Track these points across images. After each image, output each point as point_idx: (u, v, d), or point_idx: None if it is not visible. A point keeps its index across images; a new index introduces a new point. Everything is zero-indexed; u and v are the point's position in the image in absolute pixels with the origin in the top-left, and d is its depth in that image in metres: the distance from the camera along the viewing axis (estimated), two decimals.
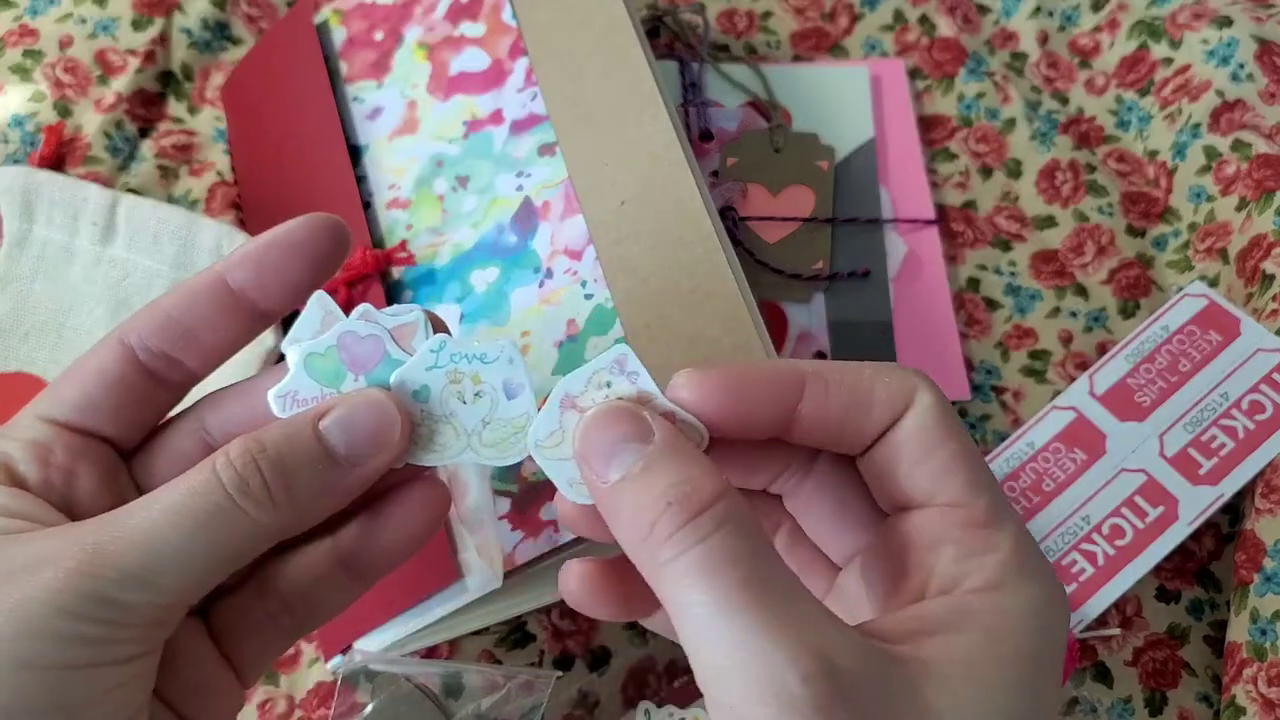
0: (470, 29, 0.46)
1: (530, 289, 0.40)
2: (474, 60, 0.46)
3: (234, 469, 0.24)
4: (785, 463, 0.28)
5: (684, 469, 0.23)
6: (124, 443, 0.28)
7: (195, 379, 0.28)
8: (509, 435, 0.27)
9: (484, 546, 0.37)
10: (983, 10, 0.58)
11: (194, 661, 0.27)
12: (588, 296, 0.39)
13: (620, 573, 0.27)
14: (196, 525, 0.23)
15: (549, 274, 0.40)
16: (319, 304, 0.27)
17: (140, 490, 0.27)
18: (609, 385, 0.25)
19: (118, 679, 0.23)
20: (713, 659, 0.21)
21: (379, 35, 0.49)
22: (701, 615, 0.21)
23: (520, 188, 0.42)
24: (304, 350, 0.26)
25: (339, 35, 0.50)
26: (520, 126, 0.43)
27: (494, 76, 0.45)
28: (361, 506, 0.28)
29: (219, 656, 0.27)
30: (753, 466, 0.28)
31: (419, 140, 0.46)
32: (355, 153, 0.47)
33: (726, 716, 0.21)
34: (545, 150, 0.42)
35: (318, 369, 0.26)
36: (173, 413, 0.29)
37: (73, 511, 0.26)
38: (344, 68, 0.49)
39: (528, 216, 0.41)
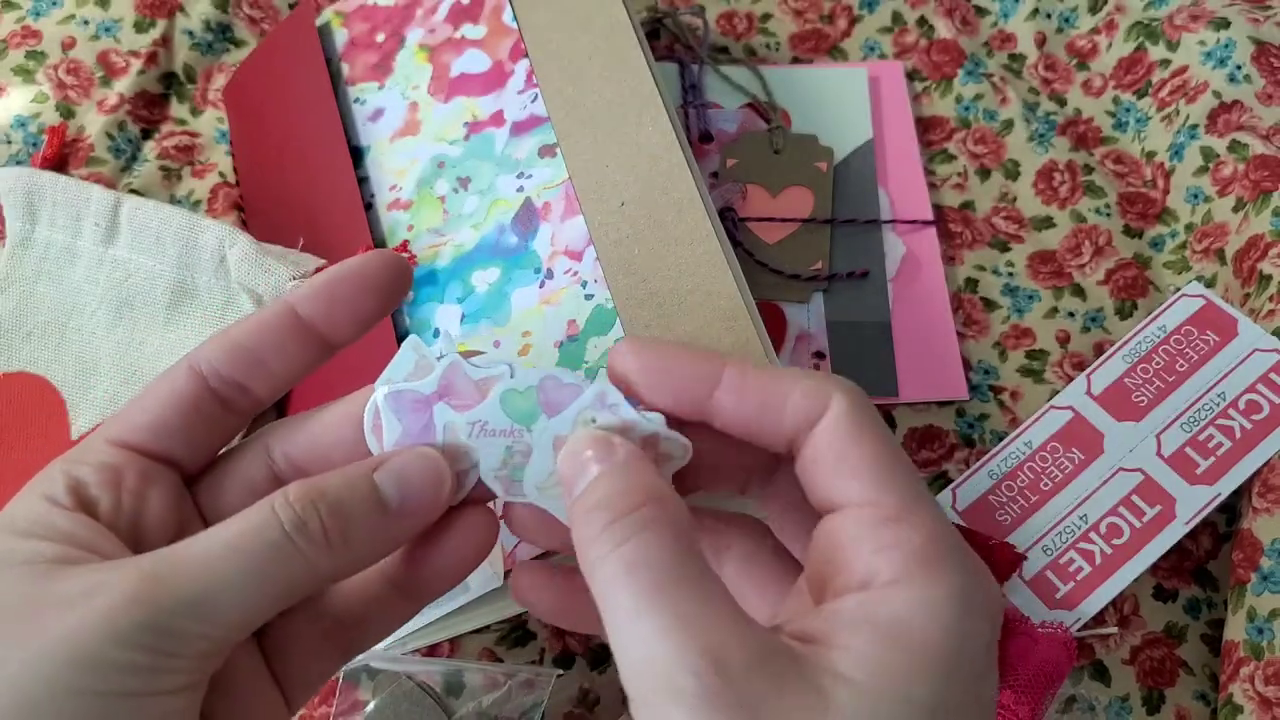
0: (471, 31, 0.46)
1: (531, 289, 0.40)
2: (475, 62, 0.46)
3: (293, 510, 0.24)
4: (749, 469, 0.29)
5: (626, 480, 0.24)
6: (191, 467, 0.28)
7: (260, 406, 0.29)
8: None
9: None
10: (981, 12, 0.58)
11: (244, 681, 0.27)
12: (588, 297, 0.39)
13: (569, 581, 0.29)
14: (253, 561, 0.24)
15: (549, 274, 0.40)
16: (413, 348, 0.28)
17: (204, 516, 0.28)
18: (594, 421, 0.27)
19: (166, 708, 0.23)
20: (626, 657, 0.22)
21: (380, 37, 0.49)
22: (619, 616, 0.22)
23: (521, 189, 0.42)
24: (502, 387, 0.27)
25: (340, 37, 0.50)
26: (521, 128, 0.43)
27: (495, 78, 0.45)
28: None
29: (269, 678, 0.28)
30: (719, 470, 0.30)
31: (420, 141, 0.46)
32: (357, 154, 0.47)
33: (639, 711, 0.22)
34: (546, 151, 0.42)
35: (513, 406, 0.27)
36: (236, 442, 0.29)
37: (139, 536, 0.26)
38: (345, 69, 0.49)
39: (528, 217, 0.42)
